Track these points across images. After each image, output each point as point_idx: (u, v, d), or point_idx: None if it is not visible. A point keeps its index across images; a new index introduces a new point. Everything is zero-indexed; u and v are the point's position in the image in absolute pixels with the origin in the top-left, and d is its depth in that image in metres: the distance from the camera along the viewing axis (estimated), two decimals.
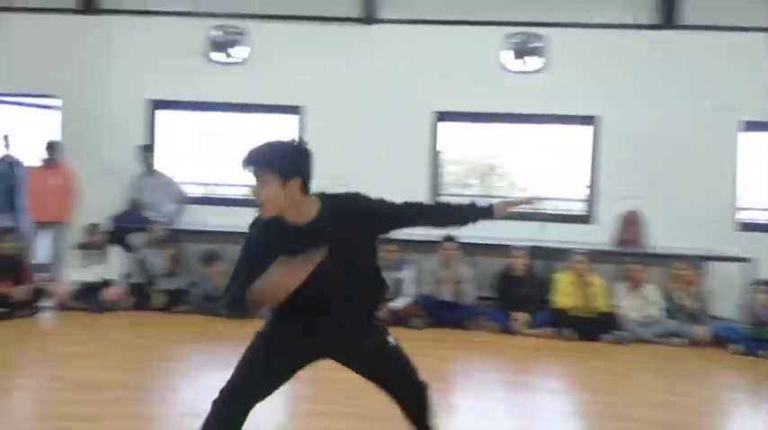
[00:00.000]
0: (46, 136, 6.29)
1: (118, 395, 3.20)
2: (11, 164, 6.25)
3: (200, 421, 1.79)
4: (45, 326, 4.81)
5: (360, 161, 6.24)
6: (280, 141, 1.86)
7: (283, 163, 1.78)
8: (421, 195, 6.24)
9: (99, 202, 6.09)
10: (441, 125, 6.33)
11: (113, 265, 5.35)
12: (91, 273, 5.26)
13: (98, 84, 6.44)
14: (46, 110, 6.76)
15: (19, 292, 4.80)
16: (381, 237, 2.01)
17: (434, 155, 6.34)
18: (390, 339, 2.05)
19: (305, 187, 1.82)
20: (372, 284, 2.03)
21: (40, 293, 4.98)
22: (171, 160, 6.44)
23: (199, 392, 3.38)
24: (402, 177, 6.18)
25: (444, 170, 6.51)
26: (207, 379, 3.63)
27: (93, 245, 5.38)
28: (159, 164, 6.19)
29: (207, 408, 1.80)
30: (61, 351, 4.05)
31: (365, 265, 1.99)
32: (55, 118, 6.53)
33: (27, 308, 4.82)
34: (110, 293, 5.17)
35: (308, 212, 1.85)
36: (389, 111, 6.26)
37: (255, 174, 1.78)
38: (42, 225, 6.13)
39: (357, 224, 1.90)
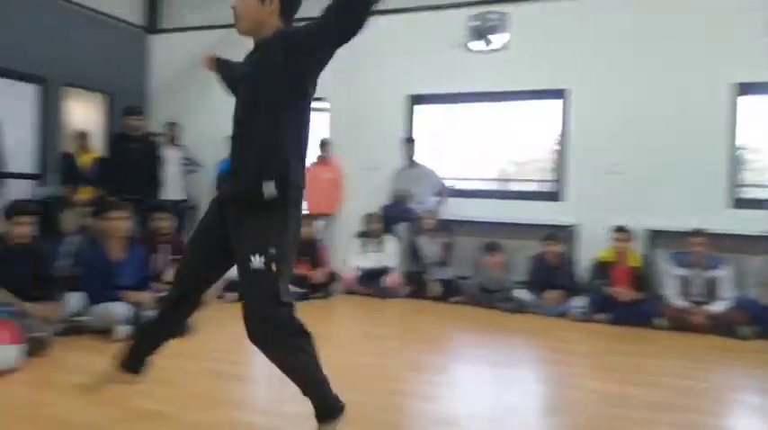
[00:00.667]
0: (318, 135, 6.76)
1: (427, 378, 3.10)
2: None
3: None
4: (340, 308, 5.03)
5: (637, 148, 5.58)
6: None
7: None
8: (717, 187, 5.35)
9: (365, 195, 6.38)
10: (741, 100, 5.34)
11: (391, 253, 5.46)
12: (371, 260, 5.44)
13: (362, 84, 6.74)
14: (317, 112, 7.27)
15: (318, 275, 5.13)
16: (307, 71, 1.81)
17: (732, 137, 5.37)
18: (260, 256, 1.75)
19: (285, 12, 1.80)
20: (278, 134, 1.78)
21: (332, 277, 5.27)
22: (431, 153, 6.45)
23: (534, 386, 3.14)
24: (691, 166, 5.37)
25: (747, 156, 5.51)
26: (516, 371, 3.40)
27: (372, 233, 5.56)
28: (420, 156, 6.23)
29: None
30: (368, 331, 4.15)
31: (279, 105, 1.77)
32: (324, 119, 7.00)
33: (322, 290, 5.13)
34: (389, 280, 5.28)
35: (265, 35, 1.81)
36: (671, 89, 5.48)
37: None
38: (316, 216, 6.58)
39: (286, 51, 1.75)
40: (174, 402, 2.55)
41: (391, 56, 6.59)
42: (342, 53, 6.27)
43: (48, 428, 2.24)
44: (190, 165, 6.87)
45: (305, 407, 1.99)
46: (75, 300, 3.58)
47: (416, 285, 5.30)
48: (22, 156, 5.95)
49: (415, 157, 6.20)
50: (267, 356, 1.90)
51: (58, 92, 6.51)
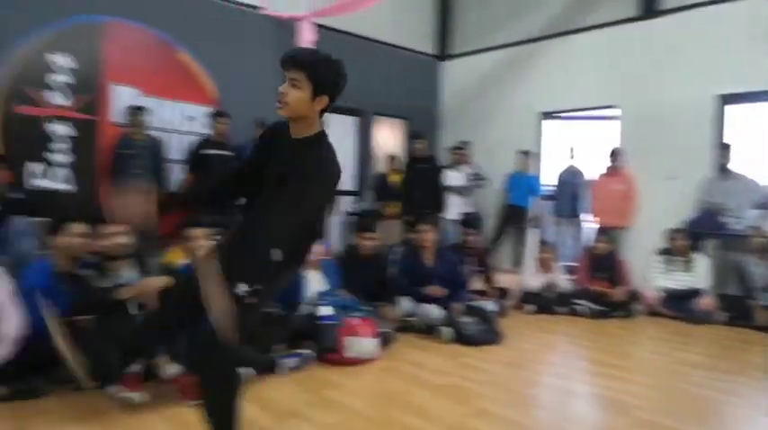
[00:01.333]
0: (607, 145, 6.50)
1: None
2: (574, 173, 6.75)
3: None
4: (645, 330, 4.73)
5: None
6: (327, 54, 1.86)
7: (324, 77, 1.83)
8: None
9: (662, 207, 5.90)
10: None
11: (701, 273, 4.94)
12: (677, 281, 5.00)
13: (657, 87, 6.26)
14: (605, 121, 7.01)
15: (617, 293, 4.94)
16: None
17: None
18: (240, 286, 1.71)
19: (325, 110, 1.89)
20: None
21: (633, 296, 5.02)
22: (748, 159, 5.62)
23: None
24: None
25: None
26: None
27: (677, 250, 5.11)
28: (735, 164, 5.49)
29: None
30: (687, 359, 3.82)
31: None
32: (614, 127, 6.69)
33: (622, 308, 4.92)
34: (701, 303, 4.78)
35: (304, 132, 1.89)
36: None
37: (290, 74, 1.80)
38: (604, 230, 6.33)
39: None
40: (501, 403, 2.78)
41: (693, 54, 5.98)
42: (632, 55, 6.05)
43: (417, 414, 2.67)
44: (477, 179, 7.30)
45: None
46: (405, 302, 4.16)
47: (737, 311, 4.67)
48: (344, 177, 7.13)
49: (730, 165, 5.48)
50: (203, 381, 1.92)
51: (371, 121, 7.64)
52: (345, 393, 2.92)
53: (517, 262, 6.78)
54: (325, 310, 3.39)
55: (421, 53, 8.29)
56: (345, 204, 7.11)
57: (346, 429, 2.48)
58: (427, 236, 4.34)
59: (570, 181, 6.76)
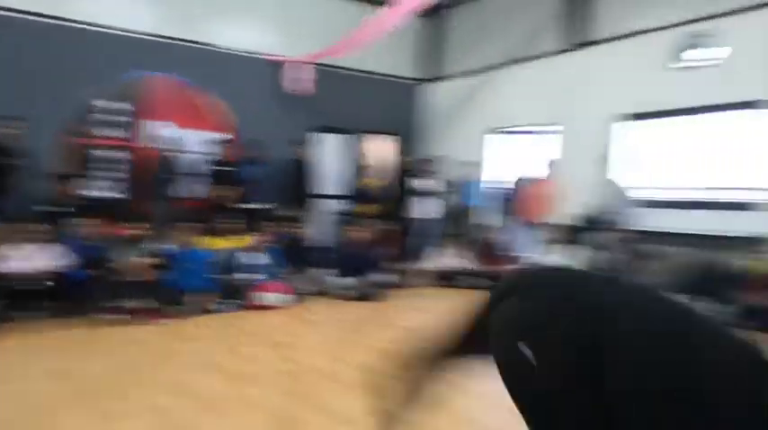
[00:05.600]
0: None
1: None
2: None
3: None
4: None
5: None
6: None
7: None
8: None
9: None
10: None
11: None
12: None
13: (580, 107, 7.57)
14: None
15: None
16: None
17: None
18: None
19: None
20: None
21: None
22: (630, 168, 6.87)
23: None
24: None
25: None
26: None
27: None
28: (616, 172, 6.78)
29: None
30: None
31: None
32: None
33: None
34: None
35: None
36: None
37: None
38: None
39: None
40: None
41: (604, 83, 7.23)
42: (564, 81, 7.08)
43: (285, 335, 4.44)
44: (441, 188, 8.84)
45: None
46: (325, 274, 6.00)
47: None
48: (333, 184, 8.97)
49: (610, 173, 6.70)
50: None
51: (358, 138, 9.42)
52: (249, 323, 4.77)
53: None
54: (252, 276, 5.30)
55: (404, 78, 9.93)
56: (334, 206, 8.97)
57: (237, 332, 4.40)
58: (362, 233, 6.07)
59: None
